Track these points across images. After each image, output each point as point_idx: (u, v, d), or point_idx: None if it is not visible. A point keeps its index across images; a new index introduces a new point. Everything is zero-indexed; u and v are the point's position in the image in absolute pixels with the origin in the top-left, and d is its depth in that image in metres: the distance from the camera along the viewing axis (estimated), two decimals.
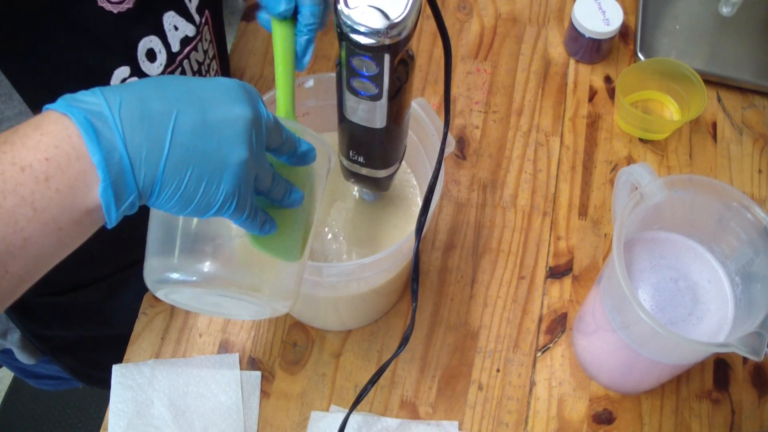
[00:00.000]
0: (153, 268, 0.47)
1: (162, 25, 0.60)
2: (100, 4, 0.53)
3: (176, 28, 0.61)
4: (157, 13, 0.59)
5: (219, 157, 0.39)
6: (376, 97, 0.52)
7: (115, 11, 0.54)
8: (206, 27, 0.67)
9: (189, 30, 0.62)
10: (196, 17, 0.63)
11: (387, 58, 0.47)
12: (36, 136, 0.36)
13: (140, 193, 0.38)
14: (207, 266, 0.46)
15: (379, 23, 0.45)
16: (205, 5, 0.65)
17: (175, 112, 0.38)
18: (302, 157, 0.48)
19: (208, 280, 0.46)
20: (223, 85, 0.41)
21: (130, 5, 0.55)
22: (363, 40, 0.46)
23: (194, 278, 0.45)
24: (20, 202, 0.35)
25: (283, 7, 0.52)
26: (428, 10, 0.52)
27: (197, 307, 0.54)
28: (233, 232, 0.47)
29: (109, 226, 0.39)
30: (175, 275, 0.45)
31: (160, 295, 0.49)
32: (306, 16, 0.54)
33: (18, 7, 0.49)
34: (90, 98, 0.37)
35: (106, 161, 0.36)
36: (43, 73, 0.53)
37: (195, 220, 0.46)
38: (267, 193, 0.45)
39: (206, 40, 0.67)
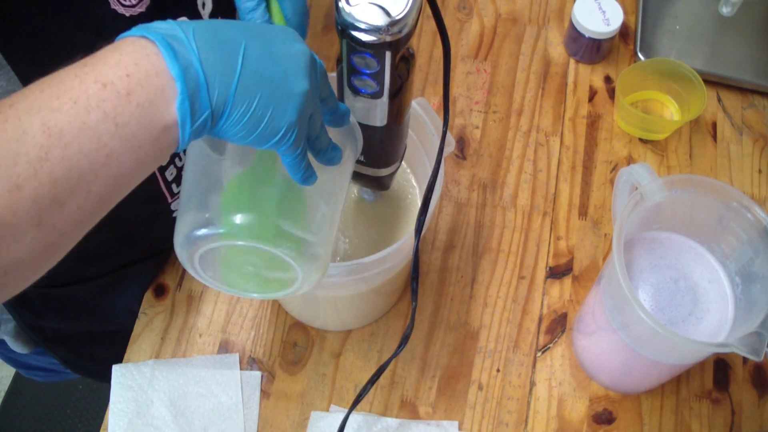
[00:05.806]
0: (182, 228, 0.47)
1: None
2: (113, 6, 0.54)
3: None
4: (170, 17, 0.59)
5: (285, 86, 0.41)
6: (376, 95, 0.52)
7: (128, 14, 0.55)
8: None
9: None
10: None
11: (388, 55, 0.47)
12: (115, 56, 0.37)
13: (212, 112, 0.39)
14: (238, 218, 0.46)
15: (381, 20, 0.45)
16: (218, 12, 0.65)
17: (244, 42, 0.40)
18: (341, 117, 0.51)
19: (238, 232, 0.46)
20: (280, 28, 0.44)
21: (143, 9, 0.55)
22: (364, 37, 0.46)
23: (222, 230, 0.46)
24: (103, 118, 0.36)
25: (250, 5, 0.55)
26: (428, 10, 0.52)
27: (228, 281, 0.53)
28: (262, 188, 0.48)
29: (181, 146, 0.40)
30: (204, 230, 0.46)
31: (190, 269, 0.49)
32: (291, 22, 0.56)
33: (31, 7, 0.49)
34: (164, 25, 0.39)
35: (184, 75, 0.38)
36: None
37: (227, 177, 0.47)
38: (315, 139, 0.47)
39: None
